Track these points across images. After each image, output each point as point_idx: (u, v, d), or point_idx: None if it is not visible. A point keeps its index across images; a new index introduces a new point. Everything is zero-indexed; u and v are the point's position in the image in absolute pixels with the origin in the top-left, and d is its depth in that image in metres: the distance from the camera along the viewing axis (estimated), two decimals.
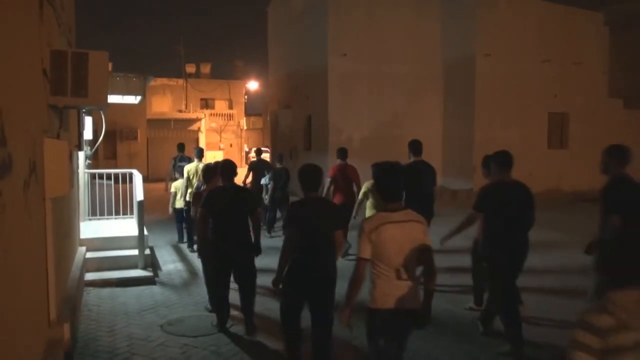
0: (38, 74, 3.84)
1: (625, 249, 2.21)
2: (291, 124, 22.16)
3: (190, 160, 10.57)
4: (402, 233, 3.46)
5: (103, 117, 8.28)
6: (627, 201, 4.38)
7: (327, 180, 9.06)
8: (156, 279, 7.96)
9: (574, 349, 2.16)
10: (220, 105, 42.95)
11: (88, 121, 8.69)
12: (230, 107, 43.05)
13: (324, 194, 8.99)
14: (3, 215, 2.41)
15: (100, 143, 9.66)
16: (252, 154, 32.53)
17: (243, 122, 43.85)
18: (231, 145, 41.66)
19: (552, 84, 18.62)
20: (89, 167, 10.16)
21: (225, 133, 41.49)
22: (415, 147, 7.67)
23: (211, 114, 40.57)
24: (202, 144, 34.96)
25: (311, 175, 4.62)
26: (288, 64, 22.75)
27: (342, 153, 9.41)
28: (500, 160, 5.33)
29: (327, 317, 4.43)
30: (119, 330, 5.82)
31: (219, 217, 5.68)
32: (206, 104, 42.43)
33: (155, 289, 7.54)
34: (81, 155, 8.57)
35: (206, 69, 44.57)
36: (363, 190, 8.41)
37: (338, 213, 4.79)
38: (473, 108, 17.81)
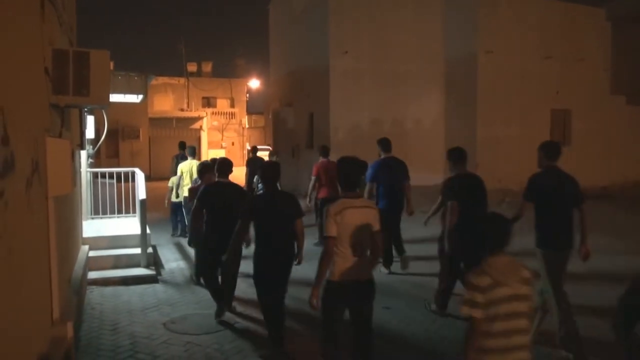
0: (40, 73, 3.85)
1: (493, 225, 3.08)
2: (293, 122, 22.15)
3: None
4: (360, 217, 4.01)
5: (105, 116, 8.30)
6: (543, 187, 5.16)
7: (312, 178, 9.78)
8: (159, 277, 7.98)
9: (464, 305, 2.93)
10: (222, 104, 42.95)
11: (90, 120, 8.70)
12: (232, 106, 43.04)
13: (309, 191, 10.03)
14: (5, 214, 2.41)
15: (102, 142, 9.67)
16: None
17: (245, 120, 43.83)
18: (233, 144, 41.67)
19: (554, 81, 18.59)
20: (91, 166, 10.18)
21: (227, 131, 41.51)
22: (385, 144, 8.22)
23: (213, 113, 40.59)
24: (204, 142, 35.01)
25: (270, 169, 5.38)
26: (289, 62, 22.74)
27: (324, 151, 10.04)
28: (456, 155, 6.13)
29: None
30: (122, 329, 5.84)
31: (211, 211, 6.06)
32: (208, 102, 42.44)
33: (158, 287, 7.55)
34: (83, 154, 8.58)
35: (208, 67, 44.57)
36: None
37: (297, 203, 5.23)
38: (475, 106, 17.78)
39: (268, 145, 30.96)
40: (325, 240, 4.00)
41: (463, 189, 5.92)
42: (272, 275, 5.01)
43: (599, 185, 17.59)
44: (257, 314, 6.20)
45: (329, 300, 4.06)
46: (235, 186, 6.33)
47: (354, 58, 17.74)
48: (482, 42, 17.63)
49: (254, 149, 12.85)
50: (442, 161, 18.07)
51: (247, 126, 44.26)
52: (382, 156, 8.06)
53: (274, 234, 4.94)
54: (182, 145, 11.62)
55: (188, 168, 10.19)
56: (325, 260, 3.98)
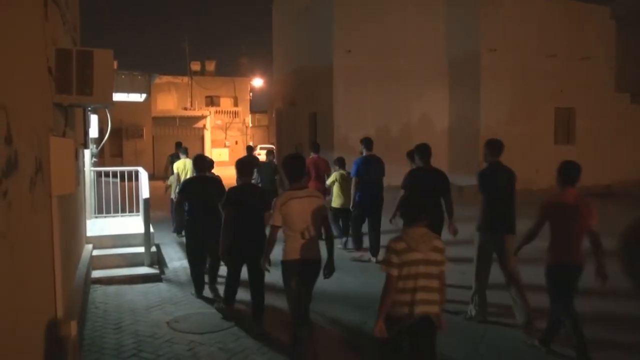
0: (43, 72, 3.85)
1: (409, 202, 4.02)
2: (296, 120, 22.16)
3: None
4: (304, 206, 4.60)
5: (109, 115, 8.31)
6: (491, 180, 5.91)
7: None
8: (162, 276, 7.98)
9: (383, 264, 3.70)
10: (226, 103, 42.98)
11: (94, 119, 8.72)
12: (236, 105, 43.07)
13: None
14: (9, 214, 2.42)
15: (106, 141, 9.69)
16: (258, 151, 32.66)
17: (248, 119, 43.87)
18: (236, 143, 41.70)
19: (558, 79, 18.55)
20: (94, 165, 10.19)
21: (230, 130, 41.53)
22: (367, 143, 8.96)
23: (216, 112, 40.63)
24: (207, 141, 35.06)
25: (242, 165, 6.17)
26: (293, 61, 22.74)
27: (316, 148, 10.76)
28: (421, 152, 6.80)
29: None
30: (126, 328, 5.84)
31: (192, 203, 6.85)
32: (211, 101, 42.47)
33: (161, 286, 7.56)
34: (87, 153, 8.60)
35: (211, 66, 44.60)
36: (331, 179, 9.66)
37: (267, 196, 5.90)
38: (478, 104, 17.77)
39: (272, 144, 30.99)
40: (270, 228, 4.70)
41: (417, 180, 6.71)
42: (243, 252, 5.74)
43: (602, 184, 17.54)
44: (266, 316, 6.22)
45: (285, 276, 4.71)
46: (210, 179, 7.15)
47: (357, 57, 17.74)
48: (486, 40, 17.60)
49: (249, 148, 13.46)
50: (446, 158, 18.08)
51: (250, 125, 44.31)
52: (364, 154, 8.84)
53: (247, 222, 5.64)
54: (178, 146, 12.09)
55: (182, 166, 10.76)
56: (269, 242, 4.78)
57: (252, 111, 45.67)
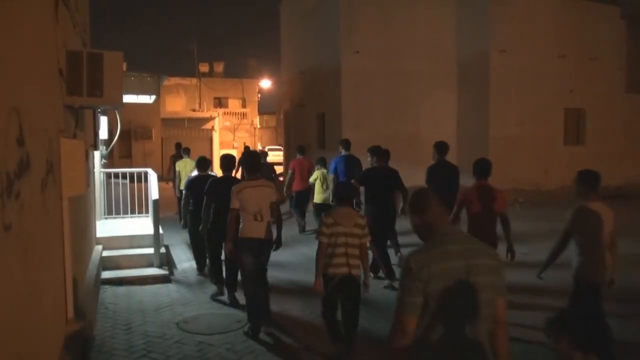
0: (54, 74, 3.88)
1: (338, 188, 5.32)
2: (304, 121, 22.16)
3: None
4: (257, 193, 5.57)
5: (118, 116, 8.33)
6: (434, 173, 7.20)
7: (289, 172, 11.45)
8: (172, 277, 8.00)
9: (318, 235, 4.74)
10: (234, 104, 43.05)
11: (103, 121, 8.76)
12: (244, 106, 43.12)
13: (286, 183, 11.62)
14: (22, 215, 2.43)
15: (115, 142, 9.73)
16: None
17: (256, 120, 43.92)
18: (245, 144, 41.77)
19: (567, 80, 18.42)
20: (104, 166, 10.24)
21: (238, 132, 41.59)
22: (346, 144, 9.80)
23: (225, 113, 40.69)
24: (215, 142, 35.15)
25: (224, 160, 7.06)
26: (301, 62, 22.75)
27: (301, 150, 11.81)
28: (377, 153, 7.71)
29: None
30: (135, 328, 5.87)
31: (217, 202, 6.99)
32: (220, 102, 42.54)
33: (170, 287, 7.58)
34: (97, 154, 8.64)
35: (219, 68, 44.69)
36: (314, 177, 10.47)
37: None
38: (487, 105, 17.68)
39: (279, 145, 31.02)
40: (230, 212, 5.60)
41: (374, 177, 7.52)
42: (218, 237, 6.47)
43: (613, 185, 17.41)
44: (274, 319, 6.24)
45: (241, 251, 5.62)
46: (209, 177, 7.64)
47: (365, 57, 17.71)
48: (495, 40, 17.52)
49: (246, 149, 14.90)
50: (454, 159, 18.00)
51: (258, 126, 44.36)
52: (343, 153, 9.65)
53: (224, 210, 6.00)
54: (178, 146, 13.51)
55: (182, 166, 11.97)
56: (230, 224, 5.64)
57: (260, 112, 45.72)
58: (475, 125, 18.07)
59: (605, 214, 4.63)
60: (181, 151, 13.01)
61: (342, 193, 4.94)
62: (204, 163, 8.06)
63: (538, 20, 18.00)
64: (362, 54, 17.71)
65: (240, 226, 5.59)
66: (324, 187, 10.32)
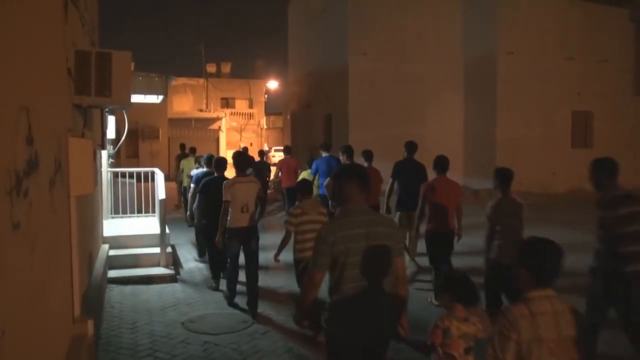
0: (63, 73, 3.89)
1: (303, 185, 6.00)
2: (311, 122, 22.17)
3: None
4: (244, 188, 6.42)
5: (126, 116, 8.36)
6: (402, 170, 8.10)
7: (276, 171, 12.60)
8: (177, 276, 8.03)
9: (285, 223, 5.71)
10: (241, 105, 43.15)
11: (111, 120, 8.78)
12: (251, 107, 43.22)
13: (272, 180, 13.27)
14: (30, 213, 2.44)
15: (122, 142, 9.76)
16: (272, 153, 32.71)
17: (263, 121, 43.99)
18: (251, 145, 41.80)
19: (575, 82, 18.36)
20: (111, 165, 10.28)
21: (245, 132, 41.69)
22: (325, 146, 10.51)
23: (231, 113, 40.78)
24: (222, 143, 35.22)
25: (217, 161, 7.77)
26: (308, 63, 22.77)
27: (288, 150, 13.26)
28: (348, 151, 8.55)
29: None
30: (141, 327, 5.88)
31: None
32: (227, 103, 42.65)
33: (176, 286, 7.60)
34: (104, 154, 8.67)
35: (227, 68, 44.80)
36: (301, 176, 10.75)
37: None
38: (495, 106, 17.64)
39: (286, 145, 31.02)
40: (223, 203, 6.38)
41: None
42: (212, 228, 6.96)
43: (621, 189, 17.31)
44: (276, 315, 6.25)
45: (229, 238, 6.43)
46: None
47: (372, 59, 17.72)
48: (502, 42, 17.49)
49: (245, 149, 15.79)
50: (461, 161, 18.00)
51: (265, 127, 44.41)
52: (323, 155, 10.23)
53: (216, 207, 6.67)
54: (182, 147, 14.36)
55: (186, 163, 12.87)
56: (223, 215, 6.42)
57: (267, 113, 45.78)
58: (482, 127, 18.03)
59: (519, 205, 5.53)
60: (187, 150, 13.87)
61: (303, 188, 5.92)
62: (220, 164, 7.72)
63: (545, 23, 17.95)
64: (369, 55, 17.72)
65: (229, 217, 6.39)
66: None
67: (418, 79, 18.20)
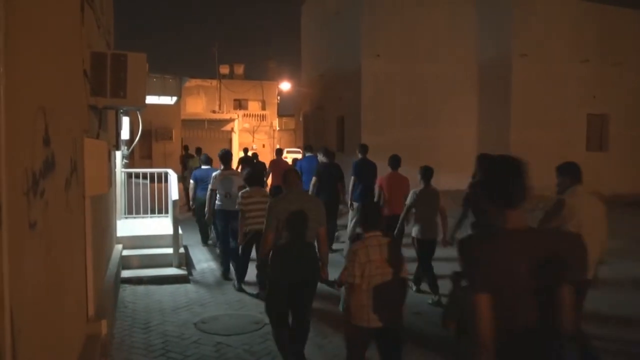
0: (79, 75, 3.93)
1: (251, 175, 7.18)
2: (323, 124, 22.18)
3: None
4: (228, 179, 7.91)
5: (140, 117, 8.40)
6: (359, 168, 9.32)
7: (268, 171, 13.20)
8: (190, 277, 8.06)
9: (239, 206, 6.84)
10: (253, 106, 43.23)
11: (125, 121, 8.84)
12: (263, 108, 43.29)
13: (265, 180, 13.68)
14: (46, 213, 2.46)
15: (136, 143, 9.82)
16: (284, 154, 32.87)
17: (276, 122, 44.03)
18: (264, 146, 41.89)
19: (590, 85, 18.19)
20: (125, 166, 10.34)
21: (258, 134, 41.75)
22: (307, 147, 12.19)
23: (244, 115, 40.87)
24: (235, 144, 35.32)
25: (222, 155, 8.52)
26: (321, 65, 22.78)
27: (279, 152, 13.99)
28: (326, 152, 9.85)
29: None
30: (154, 327, 5.91)
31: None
32: (239, 104, 42.75)
33: (189, 287, 7.63)
34: (118, 154, 8.73)
35: (240, 70, 44.92)
36: None
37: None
38: (509, 109, 17.53)
39: (298, 147, 31.06)
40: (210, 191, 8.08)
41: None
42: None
43: (636, 192, 17.11)
44: None
45: (216, 218, 8.10)
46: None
47: (386, 61, 17.69)
48: (517, 44, 17.38)
49: (245, 150, 16.97)
50: (473, 164, 17.84)
51: (277, 128, 44.46)
52: (307, 155, 11.82)
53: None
54: (186, 148, 16.37)
55: (192, 163, 14.63)
56: (209, 199, 8.08)
57: (280, 115, 45.81)
58: (496, 129, 17.92)
59: (438, 194, 6.98)
60: (197, 153, 15.30)
61: (251, 179, 7.05)
62: (225, 158, 8.53)
63: (560, 25, 17.82)
64: (382, 57, 17.69)
65: (217, 201, 7.96)
66: None
67: (432, 81, 18.13)
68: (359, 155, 9.60)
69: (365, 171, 9.29)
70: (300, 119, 27.85)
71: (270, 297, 4.80)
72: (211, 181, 8.06)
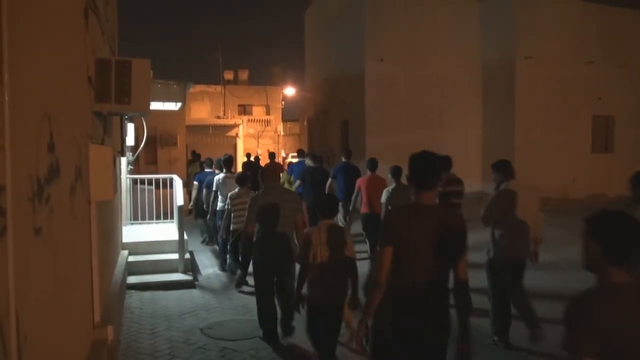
0: (84, 81, 3.94)
1: (242, 176, 7.98)
2: (328, 128, 22.19)
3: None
4: (230, 181, 8.57)
5: (144, 123, 8.44)
6: (339, 170, 10.35)
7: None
8: (196, 282, 8.06)
9: (228, 206, 7.84)
10: (258, 111, 43.28)
11: (130, 127, 8.88)
12: (268, 113, 43.33)
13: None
14: (51, 219, 2.47)
15: (141, 149, 9.86)
16: (289, 159, 32.91)
17: (280, 127, 44.07)
18: (268, 151, 41.95)
19: (595, 87, 18.13)
20: (130, 172, 10.37)
21: (262, 139, 41.80)
22: (302, 151, 13.24)
23: (249, 120, 40.93)
24: (239, 149, 35.37)
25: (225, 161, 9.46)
26: (325, 69, 22.81)
27: (272, 156, 14.50)
28: (313, 157, 10.87)
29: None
30: (160, 333, 5.91)
31: None
32: (244, 110, 42.81)
33: (195, 292, 7.63)
34: (123, 160, 8.75)
35: (244, 75, 45.00)
36: (281, 180, 12.30)
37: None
38: (513, 111, 17.48)
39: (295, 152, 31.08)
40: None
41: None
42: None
43: None
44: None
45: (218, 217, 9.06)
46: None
47: (389, 64, 17.68)
48: (521, 46, 17.34)
49: (248, 155, 18.31)
50: (479, 166, 17.85)
51: (282, 133, 44.51)
52: (299, 160, 12.60)
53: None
54: (193, 153, 17.54)
55: (192, 169, 15.28)
56: (212, 200, 9.24)
57: (284, 119, 45.85)
58: (501, 132, 17.88)
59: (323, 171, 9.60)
60: (205, 162, 15.50)
61: (241, 180, 7.74)
62: (227, 163, 9.43)
63: (565, 26, 17.77)
64: (386, 61, 17.69)
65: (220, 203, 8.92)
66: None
67: (435, 84, 18.11)
68: (343, 159, 10.58)
69: (344, 174, 10.19)
70: (305, 123, 27.87)
71: (258, 276, 5.59)
72: (214, 184, 8.99)
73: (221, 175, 9.11)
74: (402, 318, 3.09)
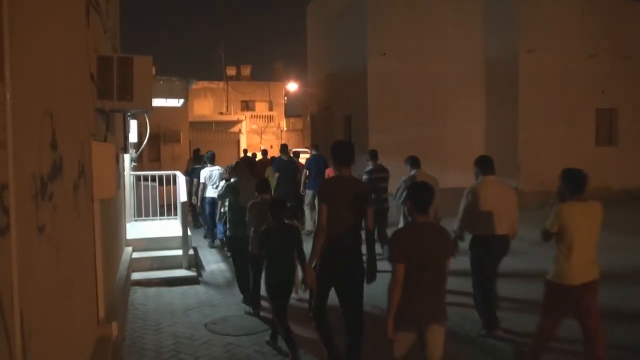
0: (86, 79, 3.95)
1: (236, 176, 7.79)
2: (331, 124, 22.17)
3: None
4: (213, 172, 10.27)
5: (147, 120, 8.44)
6: (312, 163, 11.45)
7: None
8: (200, 278, 8.09)
9: (220, 198, 8.09)
10: (261, 107, 43.28)
11: (133, 124, 8.89)
12: (270, 109, 43.32)
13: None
14: (54, 216, 2.48)
15: (144, 146, 9.88)
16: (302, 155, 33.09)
17: (283, 123, 44.06)
18: (271, 147, 41.88)
19: (599, 80, 18.03)
20: (134, 169, 10.40)
21: (265, 135, 41.78)
22: (285, 148, 12.89)
23: (252, 116, 40.93)
24: (242, 145, 35.38)
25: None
26: (327, 65, 22.77)
27: (264, 153, 15.96)
28: (284, 151, 12.32)
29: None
30: (165, 329, 5.94)
31: None
32: (247, 105, 42.82)
33: (199, 288, 7.66)
34: (127, 157, 8.77)
35: (246, 71, 44.99)
36: (266, 174, 11.82)
37: None
38: (517, 105, 17.41)
39: (306, 147, 31.07)
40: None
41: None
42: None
43: None
44: (299, 324, 6.23)
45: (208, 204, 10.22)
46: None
47: (392, 60, 17.62)
48: (524, 40, 17.25)
49: (245, 152, 18.82)
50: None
51: (285, 129, 44.49)
52: (281, 156, 12.83)
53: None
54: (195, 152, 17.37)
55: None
56: (201, 191, 10.33)
57: (287, 115, 45.83)
58: (504, 126, 17.82)
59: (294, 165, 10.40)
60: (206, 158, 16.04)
61: (236, 169, 8.00)
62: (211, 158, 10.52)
63: (568, 19, 17.67)
64: (388, 56, 17.63)
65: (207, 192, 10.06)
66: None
67: (438, 79, 18.05)
68: (313, 152, 11.99)
69: (315, 166, 11.23)
70: (308, 119, 27.86)
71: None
72: (201, 176, 10.19)
73: (207, 168, 10.29)
74: (328, 250, 4.37)
